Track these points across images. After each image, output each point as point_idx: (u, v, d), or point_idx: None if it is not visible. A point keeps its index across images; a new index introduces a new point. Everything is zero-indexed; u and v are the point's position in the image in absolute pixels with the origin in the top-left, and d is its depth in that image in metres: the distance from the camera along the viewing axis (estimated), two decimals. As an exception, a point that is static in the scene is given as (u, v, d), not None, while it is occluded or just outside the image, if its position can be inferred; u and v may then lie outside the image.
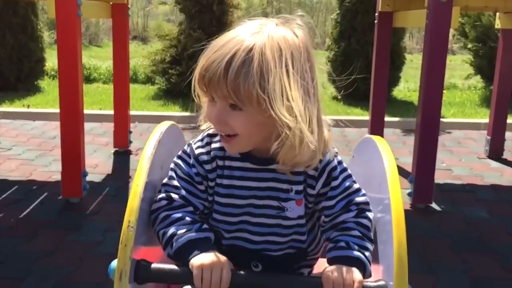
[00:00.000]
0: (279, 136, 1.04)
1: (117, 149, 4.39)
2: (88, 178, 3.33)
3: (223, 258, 1.04)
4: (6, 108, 5.92)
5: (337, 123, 5.84)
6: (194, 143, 1.20)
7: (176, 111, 5.98)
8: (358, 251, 1.09)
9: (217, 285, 1.01)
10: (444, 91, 4.49)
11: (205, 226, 1.11)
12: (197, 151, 1.17)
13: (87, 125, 4.14)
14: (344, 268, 1.04)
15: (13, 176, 3.72)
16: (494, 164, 4.35)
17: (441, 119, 3.46)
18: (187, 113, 5.83)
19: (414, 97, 6.79)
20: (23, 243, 2.69)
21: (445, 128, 5.48)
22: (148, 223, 1.16)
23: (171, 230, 1.09)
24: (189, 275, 1.03)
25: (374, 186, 1.22)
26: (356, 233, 1.12)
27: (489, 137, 4.53)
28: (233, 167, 1.15)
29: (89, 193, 3.32)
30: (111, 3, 4.08)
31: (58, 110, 3.15)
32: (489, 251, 2.74)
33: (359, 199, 1.16)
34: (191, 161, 1.17)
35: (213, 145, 1.17)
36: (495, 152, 4.50)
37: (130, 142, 4.41)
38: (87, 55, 9.85)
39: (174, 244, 1.07)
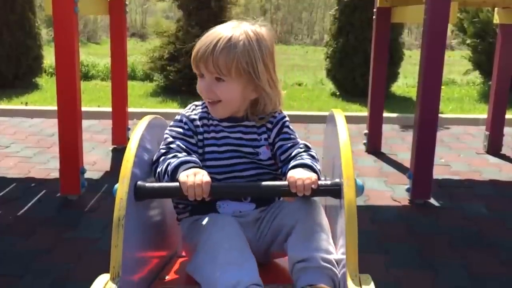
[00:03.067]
0: (252, 101, 1.48)
1: (115, 146, 4.39)
2: (86, 175, 3.33)
3: (204, 170, 1.34)
4: (4, 105, 5.91)
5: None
6: (184, 111, 1.54)
7: (174, 108, 5.97)
8: (311, 162, 1.41)
9: (200, 187, 1.28)
10: (443, 87, 4.49)
11: (194, 156, 1.41)
12: (187, 113, 1.52)
13: (85, 122, 4.14)
14: (301, 169, 1.36)
15: (11, 173, 3.72)
16: (492, 159, 4.35)
17: (440, 115, 3.45)
18: (185, 110, 5.82)
19: (413, 93, 6.79)
20: (22, 240, 2.69)
21: (443, 123, 5.48)
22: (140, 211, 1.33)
23: (167, 162, 1.39)
24: (179, 187, 1.28)
25: (332, 143, 1.51)
26: (307, 156, 1.46)
27: (487, 133, 4.53)
28: (215, 125, 1.50)
29: (88, 190, 3.32)
30: (108, -1, 4.07)
31: (56, 108, 3.14)
32: (487, 246, 2.75)
33: (304, 142, 1.53)
34: (184, 120, 1.49)
35: (199, 109, 1.53)
36: (494, 147, 4.50)
37: (128, 139, 4.40)
38: (85, 52, 9.83)
39: (169, 170, 1.36)
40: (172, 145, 1.43)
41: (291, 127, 1.55)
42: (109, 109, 4.50)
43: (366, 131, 4.49)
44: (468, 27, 7.47)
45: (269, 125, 1.52)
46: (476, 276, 2.43)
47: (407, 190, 3.33)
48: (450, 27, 7.20)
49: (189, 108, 1.55)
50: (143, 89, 7.05)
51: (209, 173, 1.37)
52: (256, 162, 1.50)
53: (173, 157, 1.39)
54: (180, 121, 1.49)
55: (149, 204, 1.39)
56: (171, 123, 1.51)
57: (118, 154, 4.27)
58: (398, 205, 3.29)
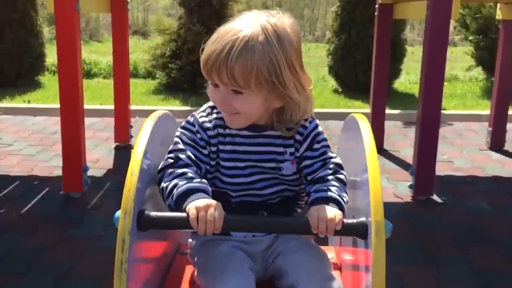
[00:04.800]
0: (275, 109, 1.26)
1: (117, 144, 4.39)
2: (89, 173, 3.34)
3: (217, 202, 1.15)
4: (6, 104, 5.92)
5: (338, 116, 5.85)
6: (198, 113, 1.34)
7: (176, 106, 5.98)
8: (337, 195, 1.24)
9: (212, 224, 1.12)
10: (445, 83, 4.46)
11: (204, 180, 1.23)
12: (200, 119, 1.32)
13: (88, 120, 4.14)
14: (326, 206, 1.18)
15: (15, 171, 3.73)
16: (495, 155, 4.35)
17: (442, 111, 3.45)
18: (187, 107, 5.83)
19: (415, 90, 6.77)
20: (25, 238, 2.70)
21: (446, 120, 5.48)
22: (147, 189, 1.22)
23: (173, 182, 1.21)
24: (187, 220, 1.13)
25: (355, 153, 1.34)
26: (335, 183, 1.28)
27: (490, 129, 4.52)
28: (233, 135, 1.31)
29: (90, 188, 3.33)
30: (110, -3, 4.07)
31: (58, 106, 3.15)
32: (490, 242, 2.74)
33: (335, 160, 1.33)
34: (196, 128, 1.30)
35: (214, 115, 1.32)
36: (497, 143, 4.50)
37: (131, 136, 4.41)
38: (87, 50, 9.84)
39: (174, 194, 1.19)
40: (181, 155, 1.26)
41: (322, 135, 1.35)
42: (112, 106, 4.50)
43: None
44: (471, 23, 7.45)
45: (298, 137, 1.32)
46: (478, 272, 2.43)
47: (410, 186, 3.32)
48: (452, 23, 7.18)
49: (204, 111, 1.34)
50: (145, 87, 7.06)
51: (223, 189, 1.29)
52: (277, 177, 1.34)
53: (181, 175, 1.22)
54: (193, 125, 1.31)
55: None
56: (183, 123, 1.33)
57: (120, 151, 4.28)
58: (400, 202, 3.29)
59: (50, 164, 3.89)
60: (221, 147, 1.31)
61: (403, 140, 4.77)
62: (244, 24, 1.19)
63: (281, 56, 1.18)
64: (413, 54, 10.05)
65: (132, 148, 4.71)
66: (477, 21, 7.34)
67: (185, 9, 6.82)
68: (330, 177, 1.29)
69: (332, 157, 1.33)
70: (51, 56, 7.42)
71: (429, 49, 3.10)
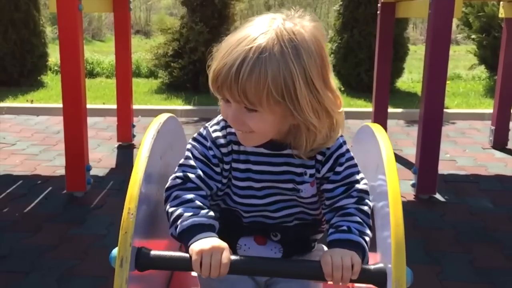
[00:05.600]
0: (292, 127, 1.11)
1: (120, 143, 4.40)
2: (92, 172, 3.34)
3: (223, 244, 1.04)
4: (9, 103, 5.94)
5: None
6: (211, 126, 1.21)
7: (179, 105, 5.98)
8: (359, 236, 1.10)
9: (217, 270, 1.01)
10: (448, 82, 4.47)
11: (211, 213, 1.12)
12: (214, 134, 1.19)
13: (91, 120, 4.14)
14: (343, 251, 1.06)
15: (18, 171, 3.74)
16: (498, 154, 4.34)
17: (445, 110, 3.45)
18: (190, 107, 5.83)
19: (418, 88, 6.77)
20: (28, 237, 2.70)
21: (449, 118, 5.47)
22: (149, 210, 1.16)
23: (179, 210, 1.11)
24: (190, 261, 1.04)
25: (371, 172, 1.23)
26: (357, 218, 1.14)
27: (493, 127, 4.51)
28: (248, 152, 1.18)
29: (93, 187, 3.33)
30: (112, -3, 4.07)
31: (61, 105, 3.15)
32: (493, 241, 2.74)
33: (360, 186, 1.18)
34: (208, 143, 1.19)
35: (229, 130, 1.19)
36: (500, 142, 4.49)
37: (134, 136, 4.42)
38: (90, 50, 9.85)
39: (178, 225, 1.09)
40: (190, 174, 1.15)
41: (347, 155, 1.19)
42: (114, 106, 4.51)
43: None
44: (473, 21, 7.43)
45: (320, 157, 1.18)
46: (481, 271, 2.42)
47: (413, 185, 3.32)
48: (455, 21, 7.16)
49: (217, 124, 1.21)
50: (148, 86, 7.06)
51: (234, 208, 1.22)
52: (295, 199, 1.22)
53: (187, 202, 1.12)
54: (205, 139, 1.19)
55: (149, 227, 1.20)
56: (195, 135, 1.22)
57: (123, 151, 4.28)
58: (403, 200, 3.25)
59: (53, 163, 3.90)
60: (234, 165, 1.19)
61: (405, 139, 4.76)
62: (258, 31, 1.04)
63: (296, 72, 1.01)
64: (416, 53, 10.04)
65: (135, 147, 4.71)
66: (480, 19, 7.33)
67: (187, 8, 6.83)
68: (352, 208, 1.15)
69: (357, 182, 1.19)
70: (53, 56, 7.43)
71: (432, 48, 3.09)
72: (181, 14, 7.22)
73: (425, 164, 3.22)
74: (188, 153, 1.19)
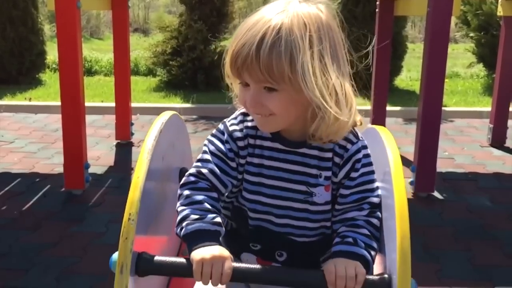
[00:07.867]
0: (314, 113, 1.07)
1: (119, 141, 4.40)
2: (90, 170, 3.34)
3: (225, 252, 1.03)
4: (8, 101, 5.93)
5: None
6: (228, 121, 1.21)
7: (177, 103, 5.97)
8: (365, 249, 1.09)
9: (217, 280, 1.00)
10: (447, 80, 4.46)
11: (218, 219, 1.09)
12: (231, 128, 1.18)
13: (89, 118, 4.15)
14: (347, 261, 1.05)
15: (16, 168, 3.74)
16: (496, 152, 4.34)
17: (444, 108, 3.45)
18: (188, 105, 5.83)
19: (416, 86, 6.77)
20: (27, 234, 2.70)
21: (447, 116, 5.47)
22: (150, 214, 1.15)
23: (186, 211, 1.09)
24: (190, 268, 1.03)
25: (377, 179, 1.20)
26: (365, 231, 1.12)
27: (491, 126, 4.52)
28: (264, 147, 1.17)
29: (92, 185, 3.33)
30: (111, -6, 4.07)
31: (59, 103, 3.15)
32: (491, 239, 2.75)
33: (373, 199, 1.15)
34: (225, 137, 1.17)
35: (246, 123, 1.18)
36: (498, 140, 4.49)
37: (132, 134, 4.42)
38: (88, 48, 9.83)
39: (183, 227, 1.08)
40: (204, 170, 1.14)
41: (365, 160, 1.15)
42: (113, 104, 4.51)
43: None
44: (472, 19, 7.44)
45: (338, 159, 1.15)
46: (479, 268, 2.43)
47: (411, 183, 3.32)
48: (453, 20, 7.16)
49: (235, 118, 1.20)
50: (146, 84, 7.06)
51: (242, 205, 1.19)
52: (306, 209, 1.17)
53: (197, 203, 1.10)
54: (222, 133, 1.18)
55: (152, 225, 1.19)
56: (214, 131, 1.21)
57: (121, 149, 4.28)
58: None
59: (52, 161, 3.89)
60: (249, 159, 1.17)
61: (404, 137, 4.77)
62: (274, 12, 1.06)
63: (313, 51, 1.03)
64: (414, 51, 10.04)
65: (133, 145, 4.71)
66: (478, 17, 7.33)
67: (186, 6, 6.82)
68: (361, 220, 1.13)
69: (371, 191, 1.15)
70: (52, 54, 7.42)
71: (430, 46, 3.09)
72: (180, 12, 7.21)
73: (423, 162, 3.23)
74: (205, 148, 1.18)
